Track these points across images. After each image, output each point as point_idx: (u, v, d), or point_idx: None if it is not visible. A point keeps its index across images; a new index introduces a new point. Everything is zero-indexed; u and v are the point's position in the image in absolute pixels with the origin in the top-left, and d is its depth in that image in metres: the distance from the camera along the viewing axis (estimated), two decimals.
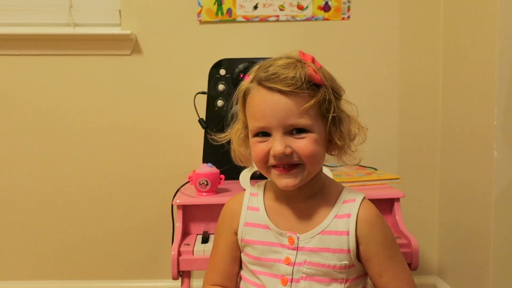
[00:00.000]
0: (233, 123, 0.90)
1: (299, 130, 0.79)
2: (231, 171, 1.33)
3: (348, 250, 0.82)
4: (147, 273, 1.82)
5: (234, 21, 1.73)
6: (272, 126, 0.79)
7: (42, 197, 1.78)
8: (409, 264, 1.18)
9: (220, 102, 1.49)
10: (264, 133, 0.81)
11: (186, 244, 1.18)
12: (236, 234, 0.90)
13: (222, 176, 1.31)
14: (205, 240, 1.20)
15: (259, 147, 0.81)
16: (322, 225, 0.83)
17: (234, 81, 1.48)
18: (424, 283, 1.82)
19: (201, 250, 1.15)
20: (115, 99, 1.76)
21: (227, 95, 1.49)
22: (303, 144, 0.79)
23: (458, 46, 1.64)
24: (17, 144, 1.77)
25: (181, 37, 1.74)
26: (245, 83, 0.84)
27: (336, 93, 0.83)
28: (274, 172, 0.81)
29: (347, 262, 0.82)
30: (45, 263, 1.81)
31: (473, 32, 1.53)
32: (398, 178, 1.40)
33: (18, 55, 1.73)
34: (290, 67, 0.78)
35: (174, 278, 1.15)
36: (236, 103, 0.87)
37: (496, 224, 1.41)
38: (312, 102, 0.78)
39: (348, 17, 1.75)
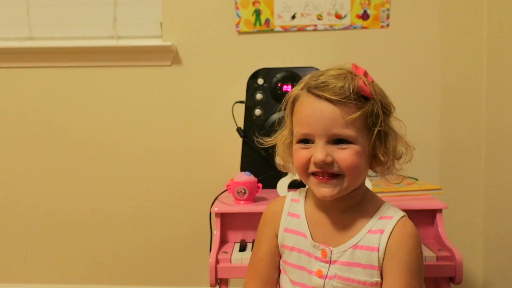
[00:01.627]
0: (281, 129, 0.92)
1: (342, 141, 0.79)
2: (269, 179, 1.34)
3: (378, 267, 0.80)
4: (187, 280, 1.84)
5: (272, 31, 1.75)
6: (316, 134, 0.80)
7: (95, 212, 1.85)
8: (452, 278, 1.14)
9: (258, 111, 1.50)
10: (307, 141, 0.81)
11: (224, 252, 1.19)
12: (277, 237, 0.90)
13: (260, 184, 1.32)
14: (242, 248, 1.21)
15: (301, 153, 0.82)
16: (354, 239, 0.83)
17: (272, 90, 1.49)
18: None
19: (239, 258, 1.16)
20: (155, 108, 1.81)
21: (265, 104, 1.50)
22: (345, 155, 0.79)
23: (504, 47, 1.58)
24: (66, 155, 1.84)
25: (219, 47, 1.76)
26: (295, 89, 0.86)
27: (386, 108, 0.83)
28: (313, 180, 0.82)
29: (378, 280, 0.81)
30: (92, 270, 1.87)
31: None
32: (440, 189, 1.36)
33: (66, 66, 1.81)
34: (340, 78, 0.80)
35: (212, 286, 1.15)
36: (284, 109, 0.88)
37: None
38: (358, 113, 0.78)
39: (387, 25, 1.73)
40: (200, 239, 1.74)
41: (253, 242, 1.24)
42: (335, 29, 1.74)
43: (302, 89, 0.84)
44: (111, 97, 1.82)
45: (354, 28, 1.73)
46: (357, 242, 0.82)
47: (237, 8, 1.74)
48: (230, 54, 1.76)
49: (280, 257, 0.91)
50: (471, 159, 1.73)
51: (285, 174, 1.32)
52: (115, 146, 1.82)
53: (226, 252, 1.18)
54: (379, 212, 0.85)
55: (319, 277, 0.83)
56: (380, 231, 0.82)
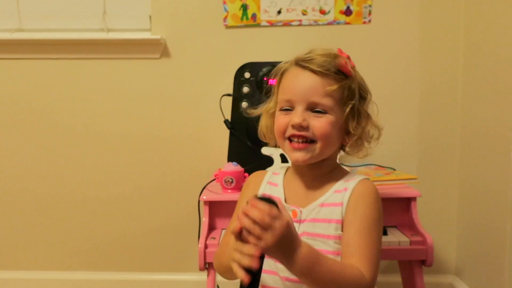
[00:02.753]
0: (267, 101, 1.01)
1: (319, 110, 0.88)
2: (255, 169, 1.40)
3: (341, 220, 0.88)
4: (176, 266, 1.90)
5: (258, 25, 1.80)
6: (296, 100, 0.89)
7: (85, 199, 1.89)
8: (424, 261, 1.23)
9: (244, 104, 1.56)
10: (288, 110, 0.90)
11: (212, 237, 1.26)
12: None
13: (246, 174, 1.39)
14: None
15: (281, 118, 0.91)
16: (321, 198, 0.92)
17: (258, 84, 1.55)
18: (442, 282, 1.86)
19: None
20: (144, 100, 1.85)
21: (251, 97, 1.56)
22: (320, 122, 0.88)
23: (479, 48, 1.67)
24: (56, 145, 1.87)
25: (207, 41, 1.81)
26: (285, 64, 0.96)
27: (362, 90, 0.93)
28: (288, 146, 0.91)
29: (341, 232, 0.88)
30: (83, 256, 1.92)
31: (493, 34, 1.56)
32: (415, 178, 1.45)
33: (56, 58, 1.84)
34: (325, 55, 0.90)
35: (201, 269, 1.23)
36: (274, 77, 0.98)
37: None
38: (336, 86, 0.88)
39: (369, 21, 1.80)
40: (189, 226, 1.80)
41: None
42: (319, 24, 1.80)
43: (291, 63, 0.94)
44: (101, 88, 1.85)
45: (338, 23, 1.80)
46: (324, 201, 0.91)
47: (224, 2, 1.79)
48: (217, 47, 1.81)
49: None
50: (447, 152, 1.82)
51: (270, 164, 1.39)
52: (106, 136, 1.86)
53: (214, 238, 1.26)
54: (345, 177, 0.94)
55: None
56: (344, 189, 0.91)
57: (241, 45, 1.81)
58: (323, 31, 1.80)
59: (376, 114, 0.96)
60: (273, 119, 0.97)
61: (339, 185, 0.93)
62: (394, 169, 1.59)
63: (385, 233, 1.26)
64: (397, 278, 1.50)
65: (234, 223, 0.94)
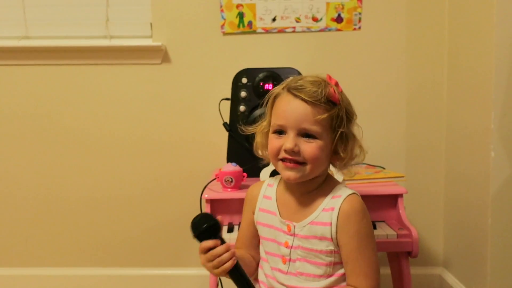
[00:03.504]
0: (261, 121, 1.09)
1: (310, 135, 0.96)
2: (253, 169, 1.50)
3: (331, 238, 0.98)
4: (179, 261, 1.99)
5: (254, 32, 1.89)
6: (289, 126, 0.97)
7: (91, 199, 1.97)
8: (409, 252, 1.33)
9: (242, 108, 1.65)
10: (281, 132, 0.98)
11: None
12: (253, 214, 1.09)
13: (245, 174, 1.48)
14: (230, 229, 1.37)
15: (274, 142, 0.99)
16: (311, 216, 1.00)
17: (254, 88, 1.64)
18: (431, 274, 1.95)
19: (227, 238, 1.30)
20: (146, 104, 1.93)
21: (248, 101, 1.65)
22: (310, 147, 0.96)
23: (461, 55, 1.77)
24: (62, 147, 1.95)
25: (206, 47, 1.90)
26: (277, 88, 1.03)
27: (349, 115, 1.01)
28: (281, 165, 0.99)
29: (332, 248, 0.98)
30: (89, 253, 2.00)
31: (473, 44, 1.66)
32: (402, 176, 1.55)
33: (61, 64, 1.92)
34: (315, 84, 0.98)
35: None
36: (266, 104, 1.06)
37: (493, 218, 1.54)
38: (326, 115, 0.96)
39: (359, 27, 1.89)
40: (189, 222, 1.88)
41: (239, 224, 1.40)
42: (312, 31, 1.89)
43: (283, 88, 1.01)
44: (105, 93, 1.93)
45: (329, 30, 1.89)
46: (314, 219, 1.00)
47: (222, 10, 1.88)
48: (216, 53, 1.90)
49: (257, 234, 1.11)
50: (433, 151, 1.92)
51: (267, 164, 1.48)
52: (110, 139, 1.94)
53: None
54: (332, 192, 1.02)
55: (286, 247, 1.01)
56: (331, 208, 0.99)
57: (238, 51, 1.90)
58: (316, 38, 1.89)
59: (361, 136, 1.04)
60: (267, 138, 1.05)
61: (326, 202, 1.00)
62: (384, 168, 1.68)
63: (374, 227, 1.36)
64: (386, 271, 1.59)
65: (239, 236, 1.11)
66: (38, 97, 1.94)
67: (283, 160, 0.98)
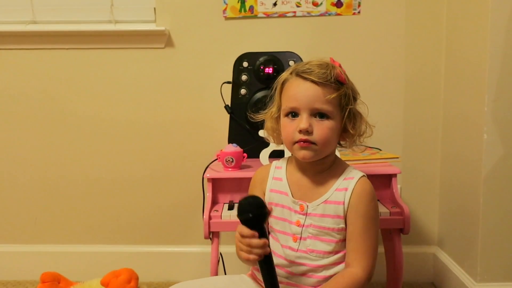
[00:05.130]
0: (269, 107, 1.14)
1: (322, 115, 1.02)
2: (253, 150, 1.56)
3: (343, 216, 1.04)
4: (182, 239, 2.05)
5: (255, 17, 1.93)
6: (301, 107, 1.02)
7: (100, 179, 2.04)
8: (401, 229, 1.39)
9: (243, 91, 1.70)
10: (293, 114, 1.04)
11: (215, 210, 1.42)
12: (264, 196, 1.13)
13: (245, 154, 1.54)
14: (230, 207, 1.44)
15: (288, 125, 1.05)
16: (324, 196, 1.06)
17: (255, 72, 1.69)
18: (426, 252, 2.01)
19: (228, 215, 1.39)
20: (150, 88, 1.98)
21: (249, 85, 1.70)
22: (322, 128, 1.02)
23: (458, 40, 1.80)
24: (69, 131, 2.01)
25: (208, 32, 1.93)
26: (285, 74, 1.08)
27: (354, 93, 1.07)
28: (296, 146, 1.04)
29: (343, 226, 1.04)
30: (96, 231, 2.07)
31: (469, 29, 1.69)
32: (397, 157, 1.60)
33: (67, 49, 1.97)
34: (322, 66, 1.04)
35: (206, 238, 1.39)
36: (274, 90, 1.11)
37: (484, 198, 1.59)
38: (336, 94, 1.02)
39: (359, 12, 1.92)
40: (194, 202, 1.92)
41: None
42: (312, 16, 1.93)
43: (291, 73, 1.07)
44: (109, 77, 1.98)
45: (329, 15, 1.93)
46: (327, 198, 1.06)
47: None
48: (217, 38, 1.93)
49: None
50: (430, 134, 1.96)
51: (266, 145, 1.54)
52: (115, 121, 2.00)
53: (217, 211, 1.41)
54: (344, 174, 1.08)
55: (298, 226, 1.06)
56: (345, 189, 1.05)
57: (240, 35, 1.93)
58: (316, 22, 1.92)
59: (367, 114, 1.10)
60: (277, 122, 1.10)
61: (339, 183, 1.06)
62: (380, 150, 1.74)
63: None
64: (379, 249, 1.64)
65: None
66: (45, 81, 1.99)
67: (297, 142, 1.03)
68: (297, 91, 1.03)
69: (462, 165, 1.76)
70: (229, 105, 1.72)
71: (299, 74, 1.04)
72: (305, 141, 1.01)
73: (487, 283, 1.63)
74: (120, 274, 1.53)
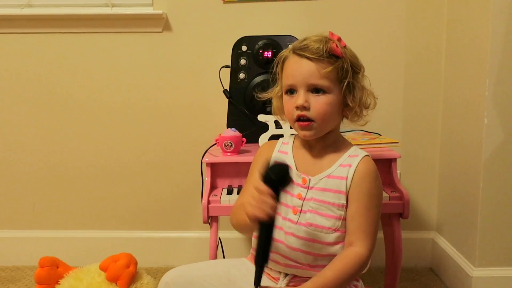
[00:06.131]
0: (274, 86, 1.15)
1: (319, 90, 1.02)
2: (252, 135, 1.55)
3: (345, 192, 1.04)
4: (181, 225, 2.06)
5: (254, 0, 1.90)
6: (298, 84, 1.03)
7: (97, 165, 2.04)
8: (401, 214, 1.39)
9: (242, 75, 1.69)
10: (292, 91, 1.04)
11: (214, 195, 1.41)
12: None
13: (244, 139, 1.53)
14: (229, 192, 1.43)
15: (288, 103, 1.06)
16: (328, 170, 1.06)
17: (254, 56, 1.68)
18: (424, 237, 2.02)
19: (226, 200, 1.38)
20: (148, 72, 1.96)
21: (248, 69, 1.69)
22: (319, 104, 1.02)
23: (459, 24, 1.78)
24: (65, 115, 2.00)
25: (207, 16, 1.91)
26: (285, 52, 1.09)
27: (355, 66, 1.06)
28: (297, 125, 1.05)
29: (344, 202, 1.04)
30: (93, 216, 2.08)
31: (471, 13, 1.67)
32: (397, 142, 1.59)
33: (63, 33, 1.95)
34: (318, 41, 1.03)
35: (205, 222, 1.38)
36: (276, 67, 1.11)
37: (484, 183, 1.59)
38: (330, 68, 1.01)
39: None
40: (193, 187, 1.92)
41: (238, 187, 1.46)
42: None
43: (290, 51, 1.07)
44: (107, 61, 1.96)
45: None
46: (330, 173, 1.05)
47: None
48: (216, 22, 1.91)
49: None
50: (430, 118, 1.95)
51: (266, 130, 1.53)
52: (112, 106, 1.99)
53: (216, 195, 1.41)
54: (348, 152, 1.08)
55: (299, 198, 1.06)
56: (349, 165, 1.05)
57: (238, 19, 1.91)
58: (315, 5, 1.90)
59: (369, 84, 1.10)
60: (281, 101, 1.11)
61: (343, 159, 1.06)
62: (380, 134, 1.73)
63: None
64: (379, 234, 1.65)
65: (248, 185, 1.10)
66: (40, 65, 1.98)
67: (298, 120, 1.04)
68: (294, 69, 1.04)
69: (462, 150, 1.76)
70: (228, 90, 1.71)
71: (295, 51, 1.04)
72: (303, 117, 1.02)
73: (486, 268, 1.64)
74: (119, 258, 1.53)
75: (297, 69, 1.03)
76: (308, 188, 1.06)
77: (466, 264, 1.70)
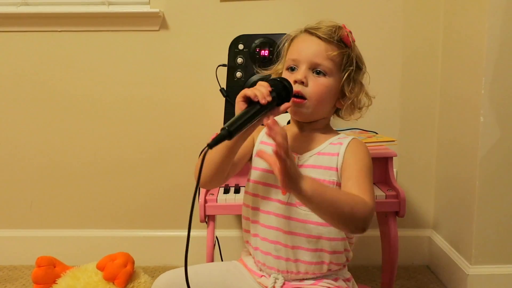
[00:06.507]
0: (276, 64, 1.14)
1: (319, 72, 1.02)
2: None
3: (336, 168, 1.03)
4: (177, 224, 2.05)
5: None
6: (301, 60, 1.03)
7: (95, 163, 2.03)
8: (397, 212, 1.39)
9: (238, 74, 1.69)
10: (293, 68, 1.04)
11: (210, 194, 1.41)
12: (253, 145, 1.12)
13: None
14: (226, 191, 1.43)
15: (287, 77, 1.03)
16: (318, 148, 1.06)
17: (251, 55, 1.67)
18: (421, 235, 2.03)
19: (223, 199, 1.39)
20: (144, 71, 1.95)
21: (245, 67, 1.68)
22: (317, 84, 1.02)
23: (456, 22, 1.78)
24: (62, 114, 2.00)
25: (203, 14, 1.91)
26: (295, 31, 1.09)
27: (359, 62, 1.08)
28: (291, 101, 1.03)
29: (335, 179, 1.02)
30: (91, 215, 2.07)
31: (468, 11, 1.67)
32: (394, 140, 1.59)
33: (60, 31, 1.94)
34: (331, 26, 1.05)
35: (202, 221, 1.38)
36: (283, 46, 1.11)
37: (480, 181, 1.60)
38: (338, 52, 1.02)
39: None
40: (190, 185, 1.92)
41: (235, 186, 1.46)
42: None
43: (301, 31, 1.08)
44: (103, 59, 1.96)
45: None
46: (321, 150, 1.05)
47: None
48: (213, 20, 1.91)
49: (246, 159, 1.13)
50: (427, 116, 1.96)
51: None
52: (109, 104, 1.98)
53: (212, 194, 1.41)
54: (338, 136, 1.09)
55: None
56: (339, 143, 1.05)
57: (235, 18, 1.90)
58: (312, 3, 1.90)
59: (368, 84, 1.10)
60: None
61: (334, 139, 1.07)
62: (376, 133, 1.73)
63: None
64: (375, 233, 1.62)
65: None
66: (37, 64, 1.97)
67: (293, 96, 1.02)
68: (302, 45, 1.04)
69: (458, 148, 1.76)
70: (225, 88, 1.71)
71: (307, 30, 1.05)
72: (298, 94, 1.01)
73: (482, 266, 1.65)
74: (116, 258, 1.53)
75: (305, 45, 1.03)
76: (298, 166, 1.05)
77: (462, 262, 1.71)
